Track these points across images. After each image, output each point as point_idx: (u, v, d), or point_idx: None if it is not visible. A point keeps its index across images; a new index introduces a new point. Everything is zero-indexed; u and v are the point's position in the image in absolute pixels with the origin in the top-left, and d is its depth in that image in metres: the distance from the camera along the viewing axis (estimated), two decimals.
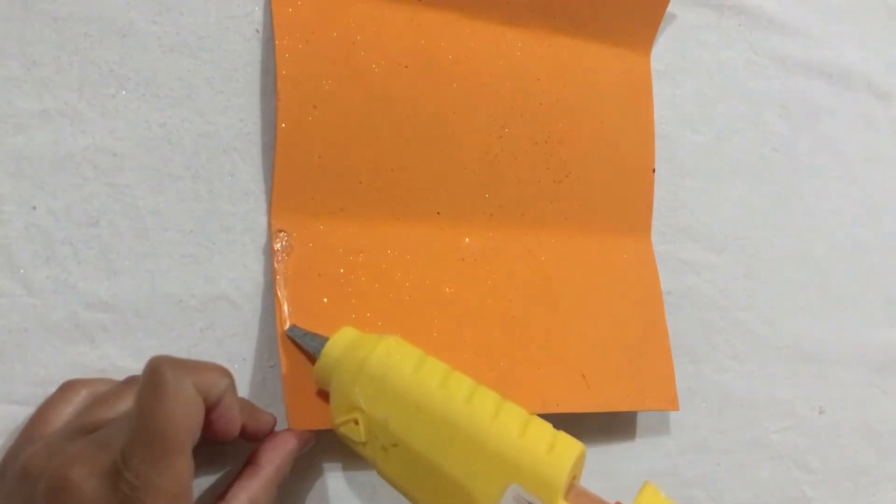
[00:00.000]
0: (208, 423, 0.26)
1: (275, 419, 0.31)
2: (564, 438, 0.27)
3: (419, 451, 0.27)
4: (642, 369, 0.40)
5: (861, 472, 0.48)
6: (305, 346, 0.31)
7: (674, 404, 0.40)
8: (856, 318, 0.49)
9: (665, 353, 0.41)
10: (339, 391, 0.29)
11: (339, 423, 0.29)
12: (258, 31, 0.34)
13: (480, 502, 0.26)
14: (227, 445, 0.31)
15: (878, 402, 0.49)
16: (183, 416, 0.23)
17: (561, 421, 0.39)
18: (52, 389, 0.29)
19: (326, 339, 0.30)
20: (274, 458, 0.30)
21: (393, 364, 0.29)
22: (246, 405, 0.30)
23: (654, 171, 0.43)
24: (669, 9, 0.42)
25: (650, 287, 0.42)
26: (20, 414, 0.29)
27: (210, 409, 0.26)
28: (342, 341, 0.30)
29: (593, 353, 0.39)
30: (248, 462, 0.30)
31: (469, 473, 0.26)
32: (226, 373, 0.27)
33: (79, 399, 0.28)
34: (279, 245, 0.33)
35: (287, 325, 0.32)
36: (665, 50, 0.45)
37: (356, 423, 0.28)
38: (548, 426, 0.28)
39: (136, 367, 0.31)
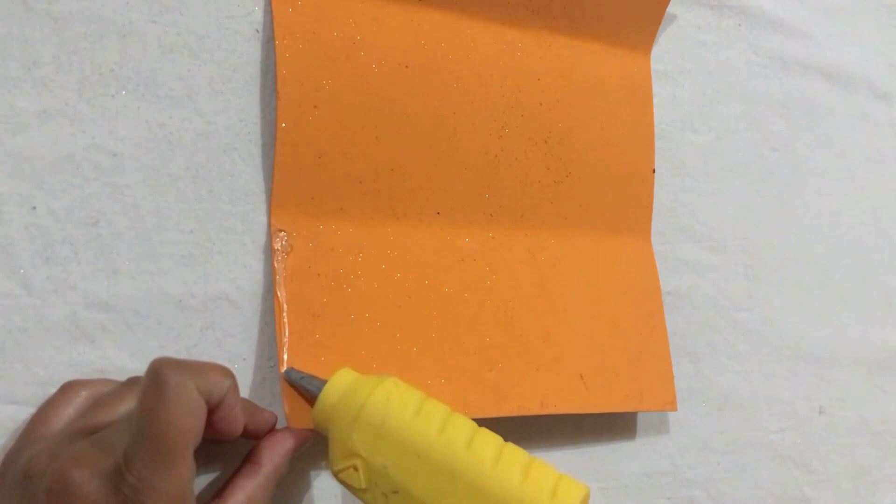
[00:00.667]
0: (211, 423, 0.27)
1: (275, 417, 0.31)
2: (567, 483, 0.27)
3: (420, 499, 0.27)
4: (641, 370, 0.40)
5: (861, 472, 0.48)
6: (303, 389, 0.30)
7: (672, 405, 0.40)
8: (856, 318, 0.49)
9: (664, 354, 0.41)
10: (337, 437, 0.29)
11: (338, 469, 0.28)
12: (258, 31, 0.34)
13: None
14: (226, 444, 0.31)
15: (878, 402, 0.49)
16: (185, 419, 0.23)
17: (561, 421, 0.39)
18: (52, 389, 0.29)
19: (324, 382, 0.30)
20: (272, 457, 0.30)
21: (392, 409, 0.28)
22: (246, 404, 0.30)
23: (654, 171, 0.43)
24: (669, 9, 0.42)
25: (650, 288, 0.42)
26: (20, 414, 0.29)
27: (213, 409, 0.26)
28: (340, 385, 0.30)
29: (592, 354, 0.39)
30: (246, 460, 0.30)
31: None
32: (228, 373, 0.27)
33: (79, 400, 0.28)
34: (279, 244, 0.33)
35: (284, 367, 0.31)
36: (665, 50, 0.45)
37: (355, 469, 0.28)
38: (550, 470, 0.28)
39: (136, 367, 0.31)
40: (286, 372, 0.31)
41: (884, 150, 0.52)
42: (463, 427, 0.28)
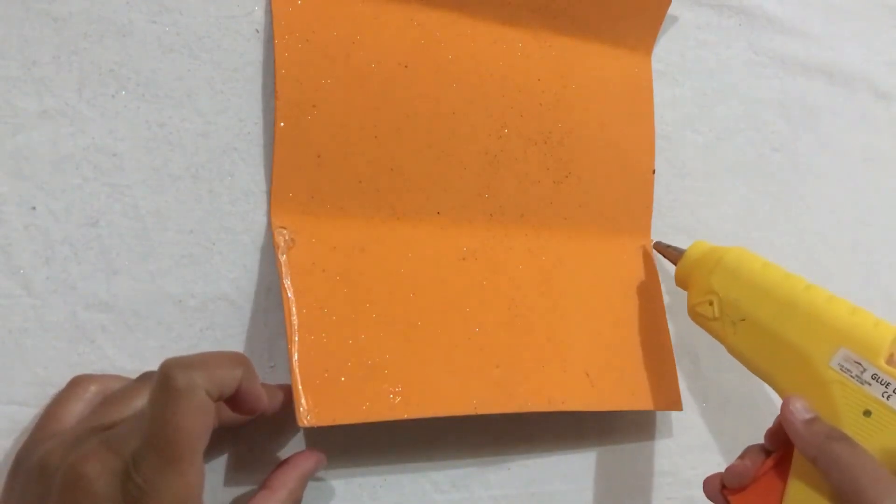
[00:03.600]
0: (234, 406, 0.27)
1: (286, 391, 0.31)
2: (886, 322, 0.33)
3: (764, 324, 0.35)
4: (645, 369, 0.40)
5: None
6: (669, 251, 0.40)
7: (677, 404, 0.40)
8: None
9: (667, 354, 0.41)
10: (697, 281, 0.37)
11: (696, 302, 0.37)
12: (258, 31, 0.34)
13: (815, 360, 0.33)
14: (245, 466, 0.32)
15: None
16: (192, 423, 0.24)
17: (560, 420, 0.39)
18: (52, 389, 0.29)
19: (683, 250, 0.39)
20: (287, 482, 0.30)
21: (744, 261, 0.37)
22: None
23: (654, 172, 0.43)
24: (669, 9, 0.42)
25: (651, 288, 0.42)
26: (20, 414, 0.29)
27: (231, 398, 0.26)
28: (699, 247, 0.39)
29: (596, 353, 0.39)
30: (262, 486, 0.30)
31: (806, 338, 0.33)
32: (239, 361, 0.27)
33: (89, 395, 0.29)
34: (282, 240, 0.33)
35: (653, 241, 0.42)
36: (665, 50, 0.45)
37: (710, 303, 0.36)
38: (871, 314, 0.33)
39: (136, 367, 0.31)
40: (655, 243, 0.42)
41: (884, 150, 0.52)
42: (801, 279, 0.35)
